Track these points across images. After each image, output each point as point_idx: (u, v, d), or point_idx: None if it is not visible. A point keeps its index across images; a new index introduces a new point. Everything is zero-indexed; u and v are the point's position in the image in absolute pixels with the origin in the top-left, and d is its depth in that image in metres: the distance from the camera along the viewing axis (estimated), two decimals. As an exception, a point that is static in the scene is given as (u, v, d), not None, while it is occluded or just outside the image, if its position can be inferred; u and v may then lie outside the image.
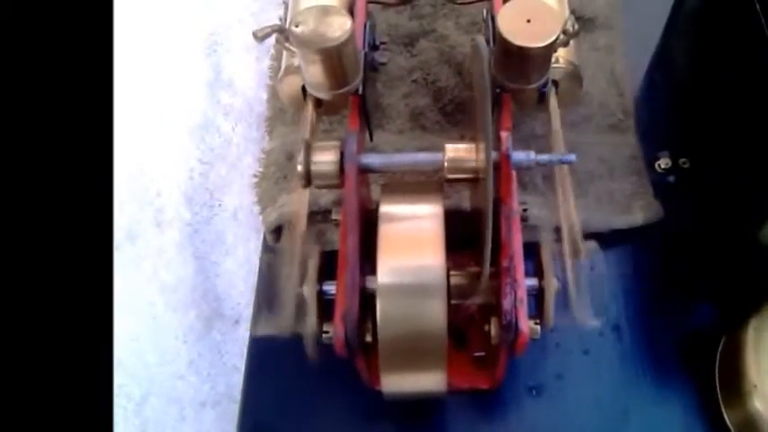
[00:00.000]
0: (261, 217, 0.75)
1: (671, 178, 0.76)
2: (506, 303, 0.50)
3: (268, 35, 0.56)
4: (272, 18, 0.96)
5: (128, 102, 0.93)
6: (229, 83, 0.97)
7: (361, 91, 0.58)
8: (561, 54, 0.60)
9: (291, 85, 0.61)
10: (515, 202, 0.53)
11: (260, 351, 0.68)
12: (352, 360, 0.54)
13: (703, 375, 0.65)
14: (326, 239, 0.68)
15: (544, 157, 0.53)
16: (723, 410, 0.63)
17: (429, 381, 0.54)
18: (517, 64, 0.55)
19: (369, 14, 0.66)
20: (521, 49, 0.52)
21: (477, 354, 0.64)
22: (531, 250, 0.53)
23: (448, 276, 0.51)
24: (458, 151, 0.53)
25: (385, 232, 0.52)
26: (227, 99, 0.95)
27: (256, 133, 0.90)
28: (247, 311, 0.78)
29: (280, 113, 0.82)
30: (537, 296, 0.52)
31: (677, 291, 0.70)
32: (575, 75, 0.61)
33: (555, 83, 0.59)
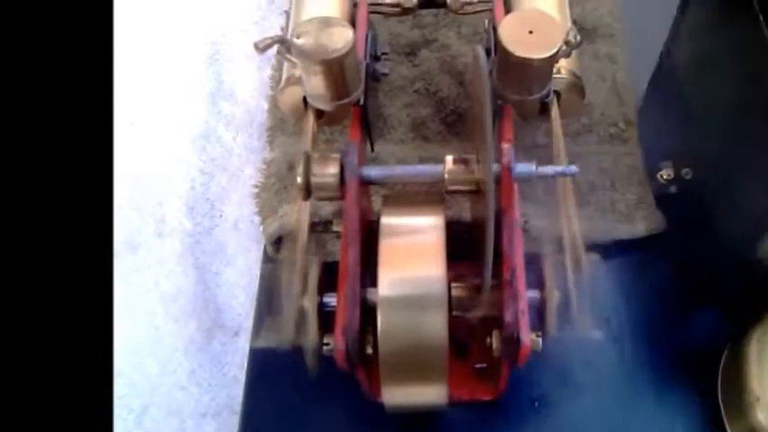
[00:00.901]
0: (261, 227, 0.75)
1: (673, 189, 0.76)
2: (508, 316, 0.50)
3: (269, 46, 0.56)
4: (275, 27, 0.97)
5: (130, 110, 0.93)
6: (231, 93, 0.97)
7: (362, 102, 0.58)
8: (563, 65, 0.60)
9: (292, 96, 0.61)
10: (517, 213, 0.53)
11: (260, 362, 0.68)
12: (353, 372, 0.54)
13: (706, 387, 0.64)
14: (327, 250, 0.68)
15: (546, 170, 0.53)
16: (726, 423, 0.62)
17: (430, 393, 0.54)
18: (519, 75, 0.55)
19: (370, 25, 0.66)
20: (522, 60, 0.52)
21: (478, 365, 0.63)
22: (533, 261, 0.53)
23: (449, 288, 0.51)
24: (458, 163, 0.53)
25: (386, 244, 0.52)
26: (229, 109, 0.95)
27: (257, 143, 0.90)
28: (248, 322, 0.78)
29: (281, 123, 0.82)
30: (538, 308, 0.52)
31: (679, 302, 0.70)
32: (577, 86, 0.61)
33: (557, 93, 0.59)
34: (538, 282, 0.53)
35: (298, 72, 0.57)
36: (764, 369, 0.60)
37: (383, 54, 0.70)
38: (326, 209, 0.70)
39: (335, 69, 0.53)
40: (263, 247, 0.76)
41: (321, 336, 0.51)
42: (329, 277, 0.53)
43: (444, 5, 0.68)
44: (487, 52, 0.61)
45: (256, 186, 0.78)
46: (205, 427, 0.75)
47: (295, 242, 0.53)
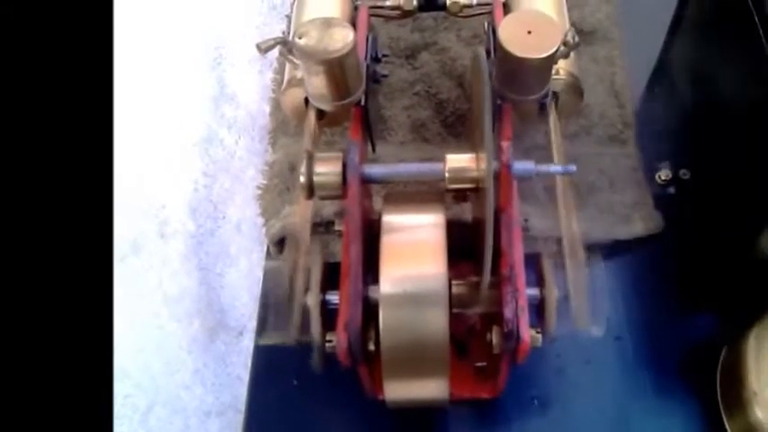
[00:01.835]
0: (264, 229, 0.75)
1: (671, 189, 0.76)
2: (507, 311, 0.50)
3: (271, 47, 0.56)
4: (276, 31, 0.97)
5: (133, 115, 0.94)
6: (233, 96, 0.98)
7: (363, 102, 0.58)
8: (562, 66, 0.60)
9: (294, 97, 0.61)
10: (516, 210, 0.54)
11: (264, 361, 0.68)
12: (355, 369, 0.54)
13: (705, 385, 0.65)
14: (329, 251, 0.69)
15: (545, 168, 0.53)
16: (725, 420, 0.63)
17: (431, 389, 0.54)
18: (518, 75, 0.55)
19: (371, 27, 0.67)
20: (521, 60, 0.53)
21: (478, 364, 0.64)
22: (533, 261, 0.54)
23: (450, 286, 0.51)
24: (459, 161, 0.54)
25: (387, 242, 0.52)
26: (231, 112, 0.96)
27: (259, 146, 0.91)
28: (251, 322, 0.79)
29: (282, 125, 0.82)
30: (538, 306, 0.53)
31: (678, 301, 0.71)
32: (575, 86, 0.62)
33: (555, 94, 0.60)
34: (537, 280, 0.53)
35: (300, 74, 0.58)
36: (762, 366, 0.60)
37: (383, 56, 0.70)
38: (328, 209, 0.70)
39: (336, 69, 0.54)
40: (265, 249, 0.76)
41: (324, 333, 0.51)
42: (332, 276, 0.54)
43: (444, 8, 0.69)
44: (487, 53, 0.62)
45: (259, 188, 0.78)
46: (209, 425, 0.75)
47: (298, 243, 0.54)
